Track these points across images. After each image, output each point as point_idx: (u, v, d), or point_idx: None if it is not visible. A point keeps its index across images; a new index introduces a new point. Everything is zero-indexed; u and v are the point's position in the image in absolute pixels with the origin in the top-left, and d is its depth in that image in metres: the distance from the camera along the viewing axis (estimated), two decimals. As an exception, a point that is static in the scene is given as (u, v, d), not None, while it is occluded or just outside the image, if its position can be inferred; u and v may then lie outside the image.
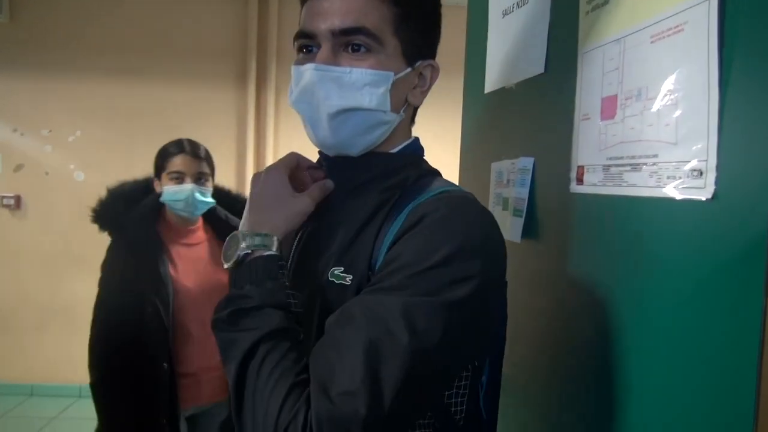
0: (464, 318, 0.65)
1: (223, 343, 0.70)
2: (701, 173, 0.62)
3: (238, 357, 0.66)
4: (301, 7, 0.79)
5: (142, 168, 3.81)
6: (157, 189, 1.80)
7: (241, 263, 0.73)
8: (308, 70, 0.74)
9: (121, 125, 3.78)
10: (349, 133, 0.76)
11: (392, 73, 0.76)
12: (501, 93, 1.17)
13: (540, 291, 0.99)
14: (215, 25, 3.75)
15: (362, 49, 0.74)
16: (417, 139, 0.85)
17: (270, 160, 3.73)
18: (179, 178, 1.75)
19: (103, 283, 1.74)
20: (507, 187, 1.11)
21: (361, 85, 0.74)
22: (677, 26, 0.66)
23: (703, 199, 0.62)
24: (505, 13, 1.16)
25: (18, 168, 3.82)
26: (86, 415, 3.61)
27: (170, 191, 1.74)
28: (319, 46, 0.75)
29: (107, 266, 1.74)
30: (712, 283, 0.61)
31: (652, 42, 0.71)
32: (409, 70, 0.78)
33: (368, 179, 0.79)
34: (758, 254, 0.56)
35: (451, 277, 0.65)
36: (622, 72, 0.77)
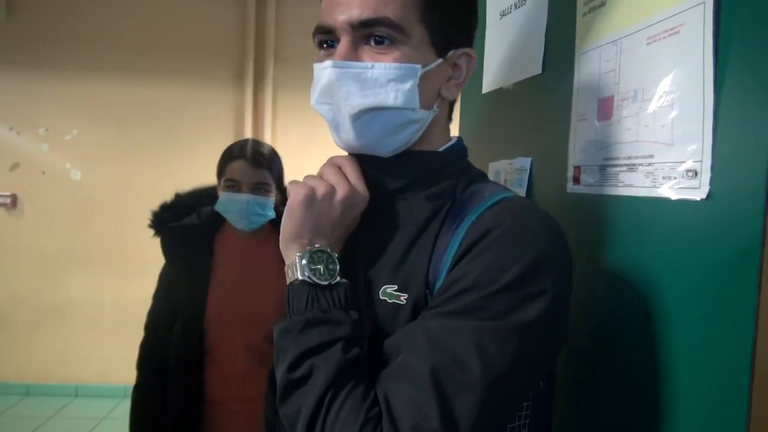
0: (537, 339, 0.61)
1: (305, 368, 0.63)
2: (696, 174, 0.63)
3: (320, 387, 0.61)
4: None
5: (138, 167, 3.82)
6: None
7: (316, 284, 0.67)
8: (327, 68, 0.68)
9: (118, 124, 3.78)
10: (376, 134, 0.69)
11: (420, 66, 0.68)
12: (499, 93, 1.18)
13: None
14: (213, 24, 3.75)
15: (385, 42, 0.67)
16: (460, 139, 0.78)
17: (267, 160, 3.73)
18: (235, 186, 1.56)
19: (156, 290, 1.67)
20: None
21: (385, 81, 0.67)
22: (673, 28, 0.67)
23: (698, 199, 0.63)
24: (503, 14, 1.17)
25: (14, 167, 3.81)
26: (83, 414, 3.62)
27: (224, 200, 1.58)
28: (338, 41, 0.68)
29: (161, 273, 1.67)
30: (708, 282, 0.62)
31: (648, 44, 0.72)
32: (440, 61, 0.70)
33: (412, 181, 0.72)
34: (752, 253, 0.57)
35: (522, 298, 0.60)
36: (619, 73, 0.77)
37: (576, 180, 0.87)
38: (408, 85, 0.67)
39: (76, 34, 3.71)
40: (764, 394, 0.57)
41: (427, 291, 0.66)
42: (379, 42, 0.67)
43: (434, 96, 0.72)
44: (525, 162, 1.04)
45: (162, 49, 3.73)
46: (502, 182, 1.13)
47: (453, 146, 0.76)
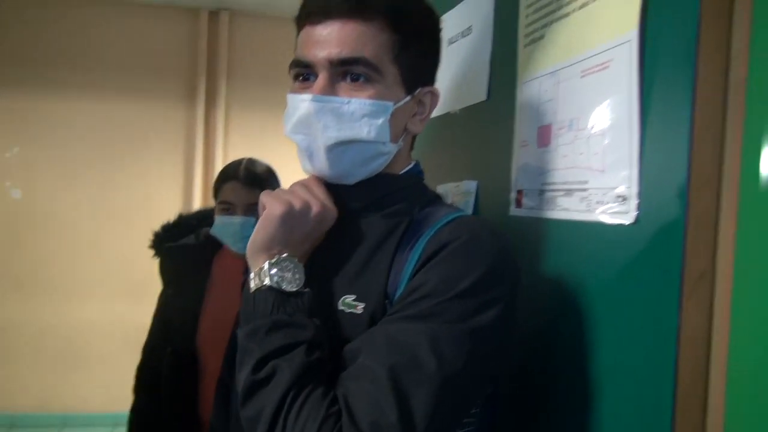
0: (489, 343, 0.66)
1: (268, 369, 0.66)
2: (625, 199, 0.68)
3: (282, 387, 0.64)
4: (297, 33, 0.78)
5: (83, 185, 3.71)
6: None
7: (280, 291, 0.70)
8: (306, 100, 0.72)
9: (63, 142, 3.66)
10: (348, 164, 0.75)
11: (392, 103, 0.73)
12: (446, 117, 1.22)
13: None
14: (164, 41, 3.71)
15: (361, 79, 0.72)
16: (418, 163, 0.84)
17: (219, 178, 3.69)
18: (229, 208, 1.53)
19: (154, 312, 1.63)
20: (452, 209, 1.15)
21: (360, 116, 0.72)
22: (603, 63, 0.72)
23: (627, 223, 0.67)
24: (451, 42, 1.21)
25: (-50, 184, 3.63)
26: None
27: (219, 223, 1.55)
28: (316, 75, 0.73)
29: (159, 294, 1.63)
30: (636, 301, 0.66)
31: (582, 76, 0.76)
32: (408, 98, 0.76)
33: (372, 202, 0.77)
34: (674, 275, 0.61)
35: (476, 304, 0.65)
36: (557, 103, 0.82)
37: (518, 203, 0.91)
38: (380, 121, 0.73)
39: (20, 50, 3.59)
40: (687, 408, 0.61)
41: (386, 301, 0.71)
42: (355, 79, 0.72)
43: (401, 130, 0.78)
44: (471, 185, 1.08)
45: (110, 66, 3.65)
46: (449, 204, 1.17)
47: (411, 170, 0.82)
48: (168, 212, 3.85)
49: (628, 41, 0.67)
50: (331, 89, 0.72)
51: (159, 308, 1.63)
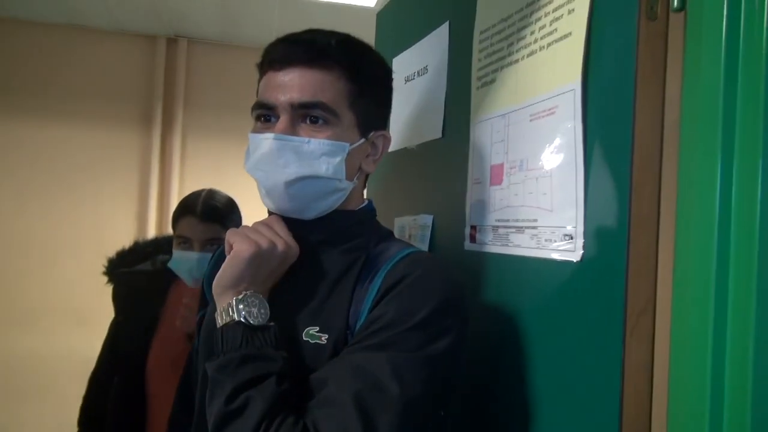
0: (444, 368, 0.72)
1: (241, 400, 0.68)
2: (572, 238, 0.71)
3: (255, 417, 0.67)
4: (260, 77, 0.83)
5: (33, 213, 3.59)
6: None
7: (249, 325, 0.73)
8: (269, 138, 0.77)
9: (14, 167, 3.54)
10: (306, 199, 0.79)
11: (348, 144, 0.79)
12: (403, 153, 1.25)
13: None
14: (121, 67, 3.65)
15: (320, 121, 0.78)
16: (371, 201, 0.90)
17: (174, 205, 3.62)
18: (186, 243, 1.50)
19: (104, 340, 1.59)
20: (409, 242, 1.18)
21: (319, 155, 0.77)
22: (550, 109, 0.76)
23: (574, 260, 0.71)
24: (408, 80, 1.25)
25: None
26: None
27: (176, 258, 1.52)
28: (277, 117, 0.78)
29: (110, 322, 1.58)
30: (583, 335, 0.70)
31: (531, 120, 0.81)
32: (363, 140, 0.82)
33: (329, 237, 0.83)
34: (617, 311, 0.64)
35: (431, 334, 0.71)
36: (507, 143, 0.86)
37: (472, 238, 0.94)
38: (337, 159, 0.79)
39: (-35, 71, 3.48)
40: (632, 437, 0.64)
41: (348, 332, 0.76)
42: (314, 121, 0.78)
43: (356, 169, 0.84)
44: (427, 219, 1.11)
45: (65, 91, 3.57)
46: (406, 237, 1.19)
47: (365, 207, 0.88)
48: (120, 240, 3.72)
49: (572, 90, 0.72)
50: (292, 130, 0.78)
51: (108, 336, 1.59)
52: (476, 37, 0.96)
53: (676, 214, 0.64)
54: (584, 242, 0.69)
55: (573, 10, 0.73)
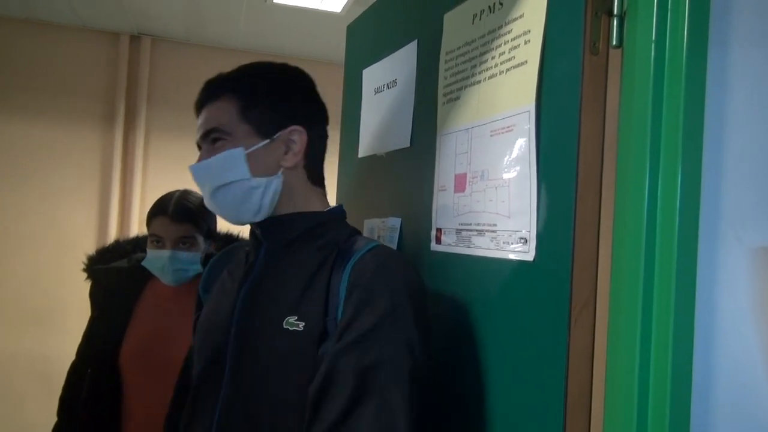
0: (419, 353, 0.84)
1: None
2: (526, 241, 0.81)
3: None
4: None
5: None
6: None
7: None
8: (191, 170, 0.96)
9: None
10: (229, 203, 0.94)
11: (242, 149, 0.93)
12: (373, 159, 1.34)
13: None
14: (83, 63, 3.61)
15: (218, 142, 0.94)
16: (341, 206, 1.03)
17: (137, 202, 3.61)
18: (159, 242, 1.55)
19: (83, 333, 1.63)
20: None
21: (221, 166, 0.93)
22: (508, 127, 0.86)
23: (528, 260, 0.81)
24: (377, 91, 1.34)
25: None
26: None
27: (149, 256, 1.57)
28: (198, 156, 0.97)
29: (89, 318, 1.63)
30: (535, 324, 0.80)
31: (491, 135, 0.90)
32: (266, 141, 0.95)
33: (298, 236, 0.95)
34: (563, 304, 0.75)
35: (405, 316, 0.84)
36: (470, 155, 0.96)
37: (438, 240, 1.03)
38: (237, 164, 0.93)
39: None
40: (575, 414, 0.74)
41: (326, 317, 0.86)
42: (213, 143, 0.95)
43: (274, 166, 0.96)
44: (396, 221, 1.20)
45: (26, 86, 3.51)
46: (376, 237, 1.28)
47: (334, 210, 1.01)
48: (80, 237, 3.72)
49: (527, 111, 0.82)
50: (207, 156, 0.95)
51: (86, 330, 1.63)
52: (442, 56, 1.05)
53: (613, 221, 0.75)
54: (536, 244, 0.80)
55: (529, 41, 0.83)
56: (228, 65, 1.02)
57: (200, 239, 1.59)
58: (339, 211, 1.02)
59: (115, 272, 1.63)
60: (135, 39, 3.69)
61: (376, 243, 0.93)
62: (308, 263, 0.92)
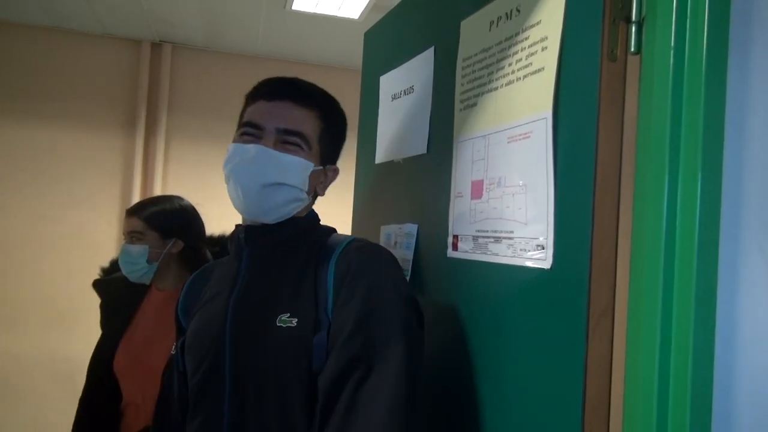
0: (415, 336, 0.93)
1: None
2: (544, 248, 0.81)
3: None
4: (247, 104, 1.03)
5: (16, 214, 3.59)
6: None
7: None
8: (255, 148, 0.96)
9: (-3, 168, 3.54)
10: (274, 203, 0.98)
11: (312, 164, 1.00)
12: (390, 165, 1.34)
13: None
14: (106, 71, 3.67)
15: (293, 146, 0.98)
16: (313, 210, 1.10)
17: (157, 208, 3.65)
18: (124, 237, 1.65)
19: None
20: (395, 249, 1.27)
21: (291, 167, 0.97)
22: (525, 134, 0.86)
23: (545, 268, 0.80)
24: (395, 97, 1.34)
25: None
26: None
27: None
28: (261, 136, 0.98)
29: None
30: (551, 332, 0.79)
31: (508, 142, 0.90)
32: (321, 167, 1.04)
33: (287, 237, 1.01)
34: (581, 312, 0.74)
35: (398, 299, 0.93)
36: (487, 162, 0.95)
37: (455, 246, 1.03)
38: (304, 174, 1.00)
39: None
40: (593, 422, 0.74)
41: (317, 309, 0.92)
42: (292, 144, 0.98)
43: (313, 189, 1.05)
44: (412, 228, 1.20)
45: (50, 93, 3.58)
46: (392, 244, 1.28)
47: (311, 214, 1.08)
48: (103, 242, 3.76)
49: (545, 118, 0.82)
50: (274, 146, 0.97)
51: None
52: (459, 63, 1.06)
53: (632, 229, 0.74)
54: (554, 252, 0.79)
55: (546, 48, 0.83)
56: (247, 72, 1.06)
57: (151, 235, 1.62)
58: (315, 215, 1.10)
59: (115, 283, 1.68)
60: (156, 46, 3.75)
61: (354, 237, 1.02)
62: (293, 263, 0.98)
